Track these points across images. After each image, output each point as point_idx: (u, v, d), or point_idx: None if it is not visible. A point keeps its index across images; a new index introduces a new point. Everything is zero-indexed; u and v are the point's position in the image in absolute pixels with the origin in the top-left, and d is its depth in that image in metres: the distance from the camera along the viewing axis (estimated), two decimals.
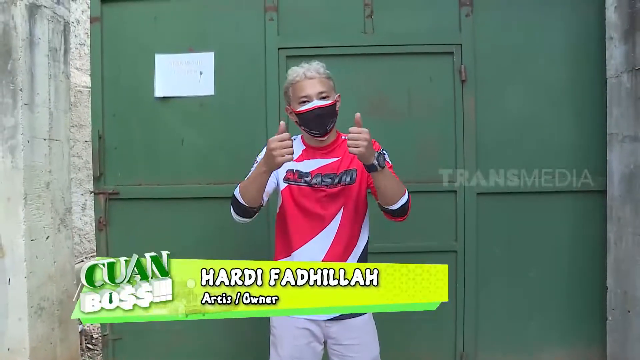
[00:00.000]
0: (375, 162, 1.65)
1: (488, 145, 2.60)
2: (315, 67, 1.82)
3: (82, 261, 4.39)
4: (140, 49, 2.65)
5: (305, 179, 1.86)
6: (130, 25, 2.66)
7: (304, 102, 1.78)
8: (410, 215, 2.54)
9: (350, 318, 1.83)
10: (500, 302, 2.64)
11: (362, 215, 1.90)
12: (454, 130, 2.59)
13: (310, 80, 1.79)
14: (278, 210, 1.93)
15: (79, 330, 3.26)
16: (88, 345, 3.41)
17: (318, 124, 1.80)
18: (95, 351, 3.32)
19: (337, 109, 1.84)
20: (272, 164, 1.65)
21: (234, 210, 1.81)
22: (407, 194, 1.78)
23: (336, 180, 1.85)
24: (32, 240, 2.41)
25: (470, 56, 2.58)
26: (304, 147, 1.91)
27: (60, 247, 2.63)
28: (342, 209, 1.85)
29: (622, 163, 2.46)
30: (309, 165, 1.87)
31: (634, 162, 2.37)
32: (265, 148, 1.80)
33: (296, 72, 1.82)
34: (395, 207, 1.75)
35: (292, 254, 1.85)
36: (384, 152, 1.82)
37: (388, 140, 2.55)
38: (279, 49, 2.60)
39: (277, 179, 1.88)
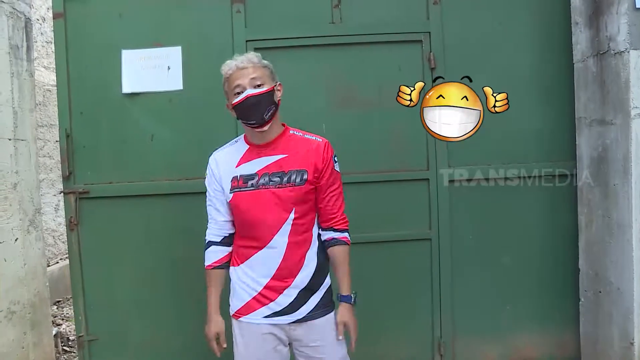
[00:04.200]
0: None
1: None
2: (248, 57, 1.75)
3: (57, 263, 4.32)
4: (106, 45, 2.60)
5: (252, 181, 1.76)
6: (95, 20, 2.61)
7: (238, 93, 1.72)
8: (384, 204, 2.58)
9: (314, 319, 1.80)
10: (476, 289, 2.66)
11: (313, 217, 1.83)
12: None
13: (243, 70, 1.72)
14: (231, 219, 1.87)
15: (54, 333, 3.21)
16: (64, 347, 3.36)
17: (253, 113, 1.70)
18: (72, 353, 3.27)
19: (276, 98, 1.77)
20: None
21: None
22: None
23: (285, 179, 1.75)
24: None
25: (439, 44, 2.58)
26: (247, 146, 1.81)
27: (31, 249, 2.57)
28: (292, 212, 1.75)
29: (590, 146, 2.48)
30: (254, 165, 1.77)
31: (602, 145, 2.40)
32: (210, 166, 1.85)
33: (228, 65, 1.75)
34: None
35: (251, 258, 1.80)
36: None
37: (359, 130, 2.57)
38: (246, 41, 2.57)
39: (223, 192, 1.81)
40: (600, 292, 2.45)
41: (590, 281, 2.53)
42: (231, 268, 1.86)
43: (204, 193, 2.51)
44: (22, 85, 2.55)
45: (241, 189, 1.77)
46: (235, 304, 1.84)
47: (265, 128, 1.75)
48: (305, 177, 1.76)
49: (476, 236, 2.65)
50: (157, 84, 2.60)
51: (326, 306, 1.84)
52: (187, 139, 2.60)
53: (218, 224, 1.87)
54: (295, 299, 1.78)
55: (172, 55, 2.60)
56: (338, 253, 1.83)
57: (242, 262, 1.82)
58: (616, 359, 2.36)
